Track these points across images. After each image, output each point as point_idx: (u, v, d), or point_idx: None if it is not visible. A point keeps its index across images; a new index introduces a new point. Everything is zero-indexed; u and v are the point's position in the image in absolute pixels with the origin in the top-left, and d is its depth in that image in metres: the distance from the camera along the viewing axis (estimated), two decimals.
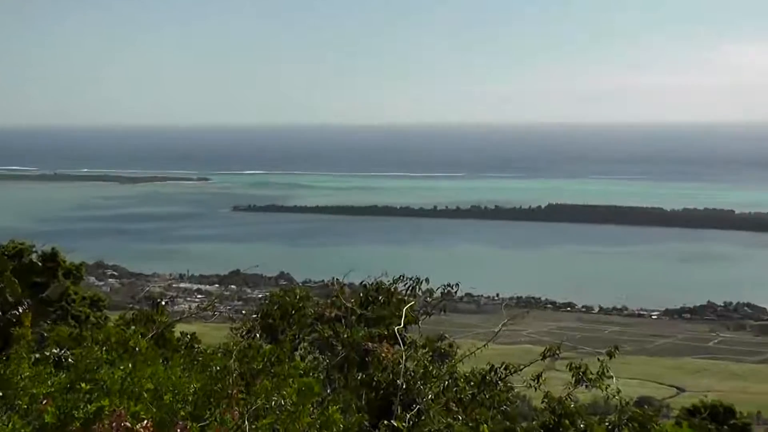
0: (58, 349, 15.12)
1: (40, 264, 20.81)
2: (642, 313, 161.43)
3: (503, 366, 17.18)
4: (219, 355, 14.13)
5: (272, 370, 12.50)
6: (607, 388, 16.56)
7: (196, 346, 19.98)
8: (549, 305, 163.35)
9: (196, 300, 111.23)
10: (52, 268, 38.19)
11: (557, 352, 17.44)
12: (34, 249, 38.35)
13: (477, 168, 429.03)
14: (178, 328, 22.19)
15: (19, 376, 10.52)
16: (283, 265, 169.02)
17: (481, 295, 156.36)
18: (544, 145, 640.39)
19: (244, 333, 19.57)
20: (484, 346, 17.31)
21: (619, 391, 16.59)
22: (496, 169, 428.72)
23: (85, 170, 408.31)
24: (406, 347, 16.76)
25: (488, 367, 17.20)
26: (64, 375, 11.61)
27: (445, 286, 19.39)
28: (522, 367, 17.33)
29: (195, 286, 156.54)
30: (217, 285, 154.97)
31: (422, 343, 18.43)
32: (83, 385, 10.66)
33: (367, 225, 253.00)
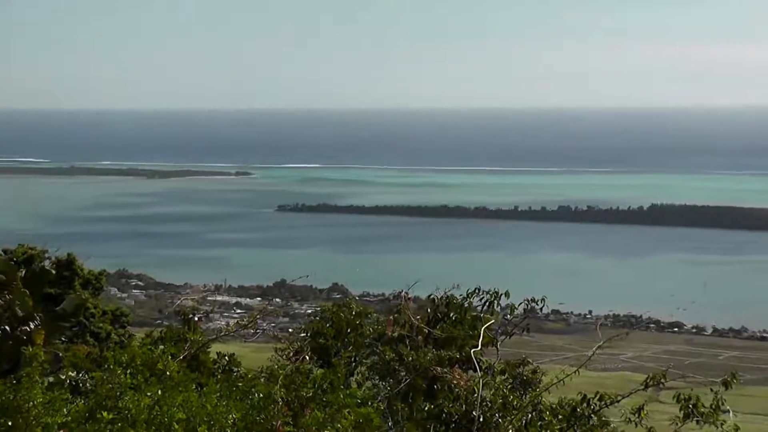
0: (75, 372, 15.31)
1: (53, 272, 20.99)
2: (765, 335, 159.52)
3: (597, 396, 17.06)
4: (262, 380, 14.21)
5: (324, 399, 12.54)
6: (722, 424, 16.38)
7: (235, 369, 20.11)
8: (652, 325, 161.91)
9: (235, 316, 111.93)
10: (67, 277, 38.69)
11: (662, 380, 17.29)
12: (47, 255, 38.89)
13: (564, 161, 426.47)
14: (214, 349, 22.34)
15: (30, 403, 10.64)
16: (337, 275, 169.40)
17: (571, 313, 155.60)
18: (640, 134, 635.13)
19: (290, 355, 19.65)
20: (575, 372, 17.20)
21: (737, 429, 16.40)
22: (587, 162, 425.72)
23: (106, 163, 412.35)
24: (482, 373, 16.72)
25: (579, 397, 17.09)
26: (82, 402, 11.74)
27: (528, 301, 19.31)
28: (620, 398, 17.20)
29: (234, 300, 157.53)
30: (259, 298, 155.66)
31: (501, 369, 18.37)
32: (104, 414, 10.77)
33: (435, 228, 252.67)
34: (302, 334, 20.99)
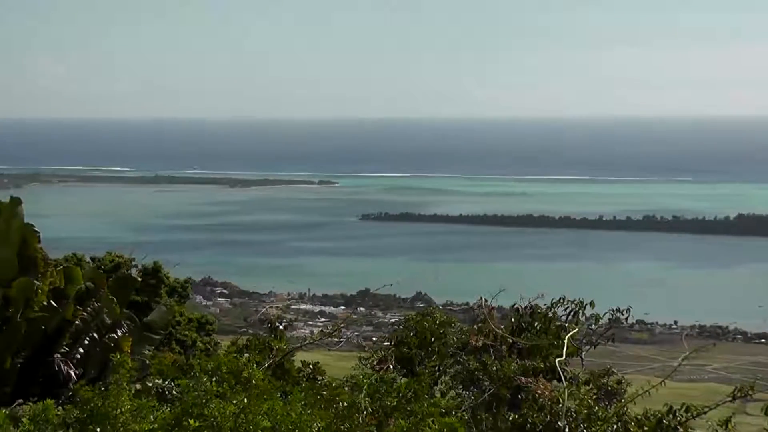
0: (162, 380, 15.45)
1: (140, 280, 21.23)
2: None
3: (683, 408, 16.85)
4: (346, 389, 14.24)
5: (408, 408, 12.55)
6: None
7: (320, 378, 20.17)
8: (738, 336, 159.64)
9: (319, 324, 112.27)
10: (154, 285, 39.10)
11: (750, 392, 17.05)
12: (133, 263, 39.33)
13: (649, 170, 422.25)
14: (299, 357, 22.44)
15: (119, 410, 10.77)
16: (420, 284, 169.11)
17: (656, 323, 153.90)
18: (722, 142, 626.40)
19: (374, 363, 19.67)
20: (661, 383, 17.01)
21: None
22: (672, 171, 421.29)
23: (190, 171, 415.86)
24: (566, 383, 16.62)
25: (665, 408, 16.90)
26: (168, 409, 11.84)
27: (613, 311, 19.17)
28: (706, 409, 16.98)
29: (317, 308, 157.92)
30: (342, 307, 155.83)
31: (585, 379, 18.24)
32: (191, 421, 10.86)
33: (519, 238, 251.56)
34: (386, 343, 21.00)
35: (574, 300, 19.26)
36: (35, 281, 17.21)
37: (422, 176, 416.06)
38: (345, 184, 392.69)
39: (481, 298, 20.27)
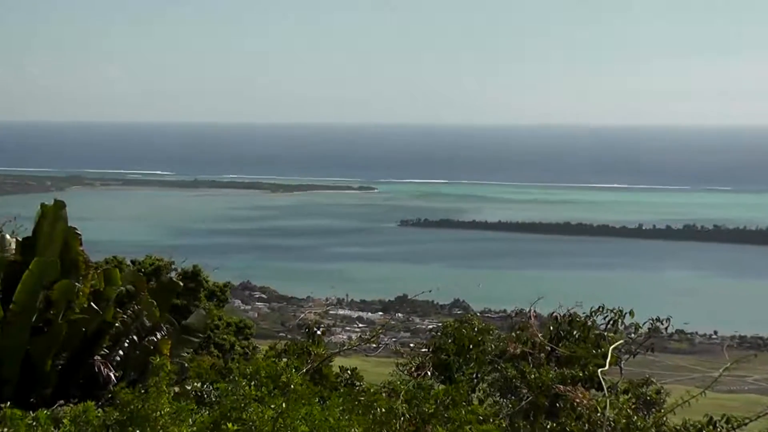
0: (200, 383, 15.51)
1: (180, 284, 21.31)
2: None
3: (724, 419, 16.75)
4: (384, 395, 14.23)
5: (446, 415, 12.54)
6: None
7: (358, 383, 20.19)
8: None
9: (357, 330, 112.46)
10: (193, 288, 39.26)
11: None
12: (173, 266, 39.48)
13: (689, 179, 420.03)
14: (337, 362, 22.47)
15: (158, 413, 10.81)
16: (458, 290, 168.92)
17: (696, 333, 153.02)
18: (762, 151, 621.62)
19: (412, 370, 19.66)
20: (701, 394, 16.89)
21: None
22: (712, 180, 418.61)
23: (230, 176, 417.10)
24: (604, 392, 16.54)
25: (705, 419, 16.80)
26: (207, 413, 11.87)
27: (653, 320, 19.07)
28: (747, 420, 16.86)
29: (356, 314, 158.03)
30: (380, 313, 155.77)
31: (624, 388, 18.16)
32: (229, 425, 10.89)
33: (557, 245, 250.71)
34: (424, 350, 20.98)
35: (613, 309, 19.18)
36: (76, 283, 17.31)
37: (461, 183, 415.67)
38: (384, 189, 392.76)
39: (529, 310, 20.18)
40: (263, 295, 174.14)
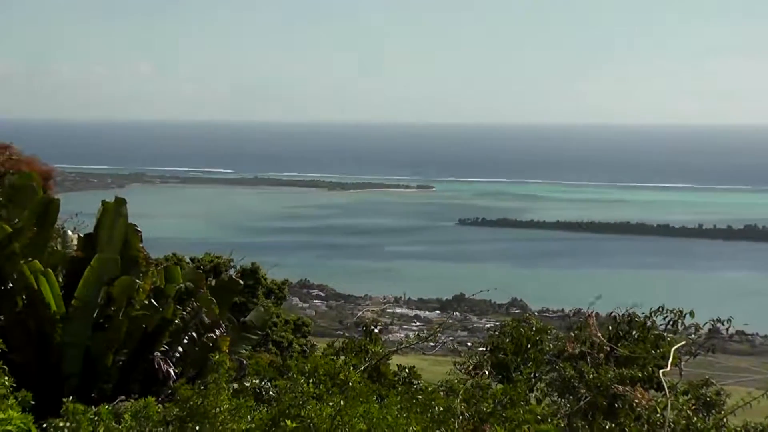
0: (259, 380, 15.57)
1: (240, 282, 21.40)
2: None
3: None
4: (442, 393, 14.23)
5: (504, 414, 12.52)
6: None
7: (415, 382, 20.19)
8: None
9: (414, 328, 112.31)
10: (251, 286, 39.45)
11: None
12: (232, 264, 39.70)
13: (750, 179, 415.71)
14: (394, 361, 22.47)
15: (217, 409, 10.87)
16: (516, 290, 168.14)
17: (756, 334, 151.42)
18: None
19: (470, 369, 19.63)
20: (762, 395, 16.74)
21: None
22: None
23: (289, 174, 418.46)
24: (663, 393, 16.43)
25: (767, 421, 16.65)
26: (265, 410, 11.92)
27: (713, 321, 18.92)
28: None
29: (413, 312, 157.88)
30: (438, 311, 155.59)
31: (684, 389, 18.03)
32: (288, 422, 10.92)
33: (616, 245, 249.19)
34: (481, 349, 20.94)
35: (673, 309, 19.05)
36: (137, 280, 17.44)
37: (520, 182, 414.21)
38: (442, 188, 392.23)
39: (588, 309, 20.08)
40: (321, 293, 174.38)
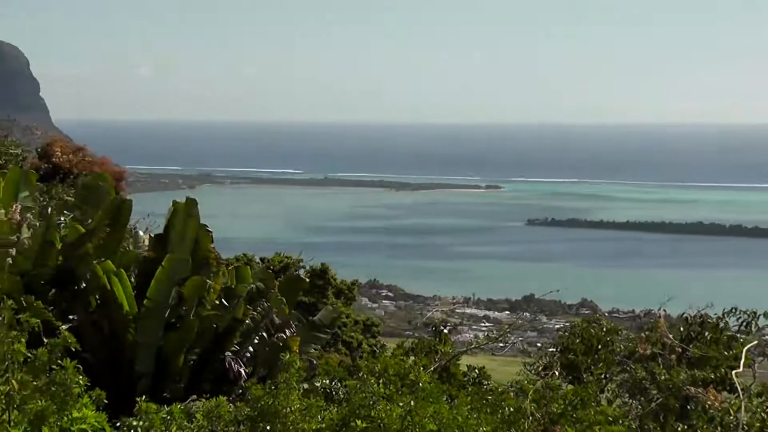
0: (329, 380, 15.61)
1: (309, 282, 21.50)
2: None
3: None
4: (512, 394, 14.19)
5: (575, 415, 12.45)
6: None
7: (485, 382, 20.15)
8: None
9: (483, 329, 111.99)
10: (321, 286, 39.61)
11: None
12: (301, 264, 39.87)
13: None
14: (463, 361, 22.45)
15: (288, 409, 10.91)
16: (586, 290, 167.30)
17: None
18: None
19: (540, 369, 19.56)
20: None
21: None
22: None
23: (359, 174, 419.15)
24: (737, 395, 16.26)
25: None
26: (335, 410, 11.94)
27: None
28: None
29: (482, 313, 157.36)
30: (507, 312, 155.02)
31: (757, 391, 17.82)
32: (358, 422, 10.94)
33: (687, 245, 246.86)
34: (551, 349, 20.87)
35: (747, 310, 18.85)
36: (208, 280, 17.56)
37: (589, 182, 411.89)
38: (511, 188, 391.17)
39: (659, 310, 19.93)
40: (390, 294, 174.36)
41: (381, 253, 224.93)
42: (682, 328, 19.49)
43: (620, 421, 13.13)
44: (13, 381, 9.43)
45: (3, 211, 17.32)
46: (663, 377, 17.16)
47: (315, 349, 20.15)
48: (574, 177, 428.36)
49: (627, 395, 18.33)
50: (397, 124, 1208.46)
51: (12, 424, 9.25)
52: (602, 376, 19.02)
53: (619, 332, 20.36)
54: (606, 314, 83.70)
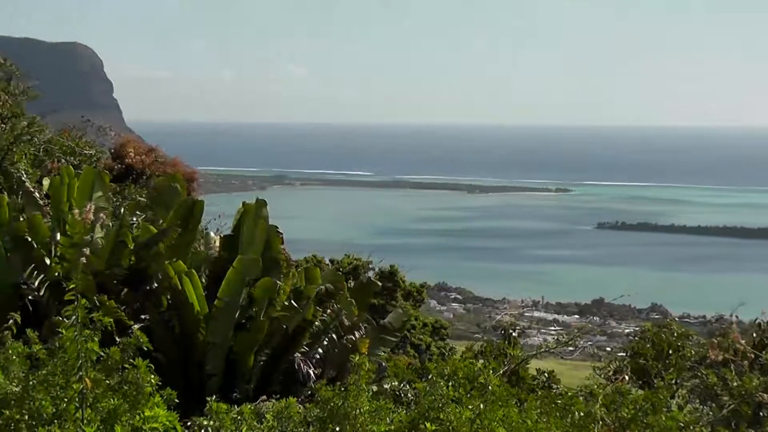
0: (398, 382, 15.63)
1: (379, 284, 21.52)
2: None
3: None
4: (581, 398, 14.10)
5: (645, 421, 12.34)
6: None
7: (555, 386, 20.07)
8: None
9: (552, 332, 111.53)
10: (390, 288, 39.65)
11: None
12: (371, 266, 39.95)
13: None
14: (533, 365, 22.38)
15: (357, 410, 10.93)
16: (656, 295, 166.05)
17: None
18: None
19: (610, 374, 19.45)
20: None
21: None
22: None
23: (429, 177, 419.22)
24: None
25: None
26: (404, 412, 11.94)
27: None
28: None
29: (551, 316, 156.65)
30: (576, 316, 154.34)
31: None
32: (427, 425, 10.92)
33: (761, 250, 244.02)
34: (621, 354, 20.76)
35: None
36: (278, 281, 17.64)
37: (660, 186, 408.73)
38: (581, 192, 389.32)
39: (731, 315, 19.75)
40: (459, 296, 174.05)
41: (450, 256, 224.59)
42: (754, 334, 19.30)
43: (691, 428, 13.00)
44: (87, 379, 9.54)
45: (77, 211, 17.51)
46: (735, 383, 16.97)
47: (384, 352, 20.17)
48: (645, 180, 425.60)
49: (698, 401, 18.16)
50: (468, 126, 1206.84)
51: (85, 422, 9.35)
52: (673, 381, 18.85)
53: (690, 337, 20.19)
54: (676, 319, 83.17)
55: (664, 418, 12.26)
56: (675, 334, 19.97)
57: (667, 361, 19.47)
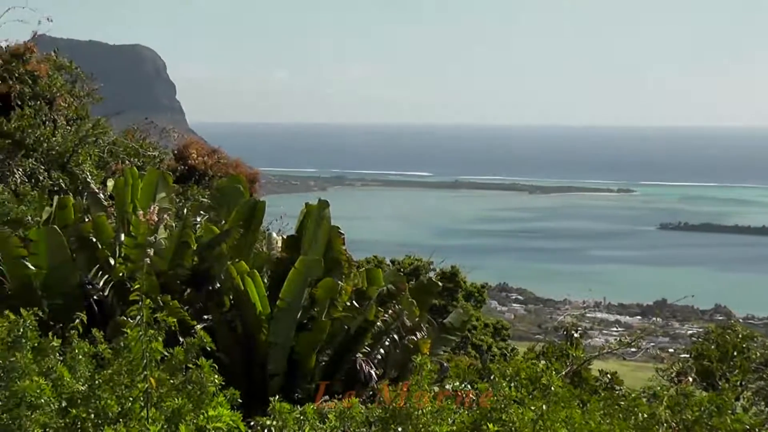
0: (459, 383, 15.61)
1: (440, 284, 21.52)
2: None
3: None
4: (644, 400, 14.02)
5: (710, 423, 12.25)
6: None
7: (618, 387, 19.97)
8: None
9: (614, 333, 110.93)
10: (451, 289, 39.63)
11: None
12: (432, 266, 39.97)
13: None
14: (595, 366, 22.29)
15: (420, 411, 10.93)
16: (720, 296, 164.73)
17: None
18: None
19: (673, 375, 19.33)
20: None
21: None
22: None
23: (489, 177, 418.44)
24: None
25: None
26: (466, 413, 11.93)
27: None
28: None
29: (613, 317, 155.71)
30: (638, 317, 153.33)
31: None
32: (489, 425, 10.91)
33: None
34: (684, 355, 20.63)
35: None
36: (339, 282, 17.69)
37: (724, 186, 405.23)
38: (643, 192, 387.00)
39: None
40: (520, 297, 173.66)
41: (511, 256, 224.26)
42: None
43: (757, 430, 12.87)
44: (151, 379, 9.64)
45: (141, 212, 17.67)
46: None
47: (445, 352, 20.15)
48: (708, 181, 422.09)
49: (763, 403, 18.01)
50: (529, 126, 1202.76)
51: (150, 421, 9.44)
52: (738, 383, 18.70)
53: (755, 339, 20.02)
54: (741, 320, 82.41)
55: (729, 421, 12.17)
56: (739, 336, 19.81)
57: (731, 363, 19.32)
